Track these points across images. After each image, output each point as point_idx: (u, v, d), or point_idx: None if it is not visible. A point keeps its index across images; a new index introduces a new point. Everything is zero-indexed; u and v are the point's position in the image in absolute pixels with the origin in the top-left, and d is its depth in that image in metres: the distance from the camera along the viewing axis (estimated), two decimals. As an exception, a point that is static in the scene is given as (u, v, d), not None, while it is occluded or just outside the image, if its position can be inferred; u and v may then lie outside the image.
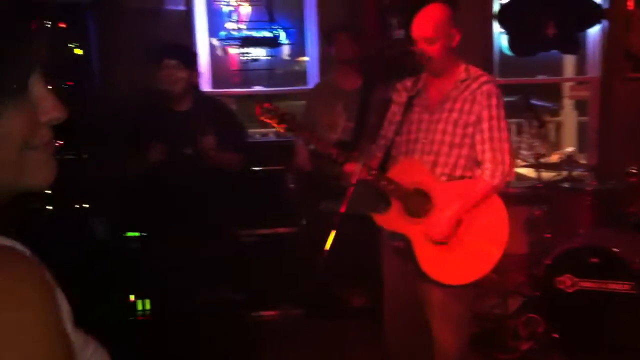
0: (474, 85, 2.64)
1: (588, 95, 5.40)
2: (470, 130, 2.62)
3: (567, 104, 6.94)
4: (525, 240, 4.56)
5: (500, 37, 5.23)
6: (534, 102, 4.13)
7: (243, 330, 4.23)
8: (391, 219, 2.70)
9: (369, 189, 2.71)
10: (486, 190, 2.59)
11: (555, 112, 6.97)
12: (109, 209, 4.26)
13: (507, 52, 5.18)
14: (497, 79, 5.24)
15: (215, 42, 5.00)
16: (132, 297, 3.98)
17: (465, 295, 2.70)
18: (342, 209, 2.50)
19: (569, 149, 5.90)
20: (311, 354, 3.87)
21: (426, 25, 2.60)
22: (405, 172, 2.68)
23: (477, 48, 5.17)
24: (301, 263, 4.44)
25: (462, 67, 2.70)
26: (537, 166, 4.22)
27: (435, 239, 2.61)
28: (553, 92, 6.22)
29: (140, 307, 3.99)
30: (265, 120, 2.84)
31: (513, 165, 2.64)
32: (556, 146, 6.86)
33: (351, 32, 3.97)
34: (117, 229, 4.20)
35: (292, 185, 4.24)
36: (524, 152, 5.19)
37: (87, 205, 4.09)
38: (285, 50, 5.29)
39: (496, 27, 5.20)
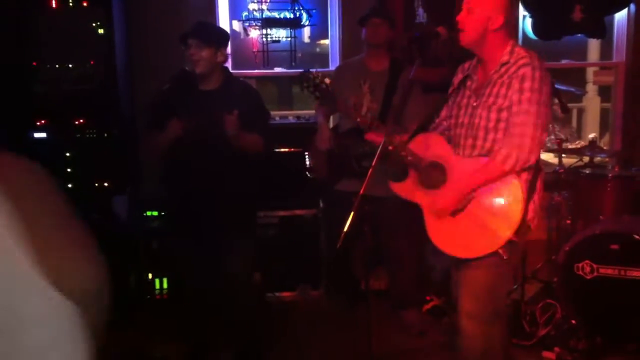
0: (513, 69, 2.56)
1: (612, 80, 5.32)
2: (504, 114, 2.56)
3: (591, 89, 6.84)
4: (545, 226, 4.53)
5: (525, 21, 5.17)
6: (557, 86, 4.06)
7: (262, 309, 4.26)
8: (407, 188, 2.80)
9: (390, 161, 2.78)
10: (496, 173, 2.55)
11: (579, 98, 6.87)
12: (130, 187, 4.31)
13: (532, 35, 5.12)
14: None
15: (236, 23, 4.99)
16: (149, 276, 4.03)
17: (488, 266, 2.62)
18: (362, 190, 2.50)
19: (592, 135, 5.83)
20: (329, 335, 3.90)
21: None
22: (426, 146, 2.74)
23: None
24: (319, 245, 4.48)
25: (508, 49, 2.60)
26: (558, 151, 4.17)
27: (437, 210, 2.65)
28: (577, 77, 6.13)
29: (157, 286, 4.04)
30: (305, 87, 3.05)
31: (534, 151, 2.52)
32: (578, 132, 6.79)
33: (384, 17, 3.96)
34: (138, 207, 4.25)
35: (310, 167, 4.23)
36: (548, 139, 5.14)
37: (107, 184, 4.14)
38: (307, 32, 5.27)
39: (521, 10, 5.14)
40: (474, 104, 2.67)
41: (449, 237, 2.66)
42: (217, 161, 3.43)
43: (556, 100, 3.87)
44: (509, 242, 2.53)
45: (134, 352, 3.66)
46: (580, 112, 7.20)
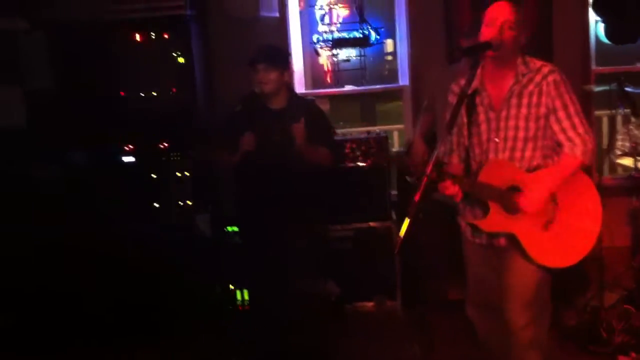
0: (538, 78, 2.67)
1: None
2: (542, 122, 2.67)
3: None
4: (626, 232, 4.44)
5: (597, 25, 5.11)
6: (629, 89, 4.00)
7: (340, 320, 4.38)
8: (493, 221, 2.72)
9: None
10: (574, 166, 2.66)
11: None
12: (212, 205, 4.57)
13: (604, 40, 5.05)
14: (594, 67, 5.18)
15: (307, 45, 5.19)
16: (231, 287, 4.24)
17: (546, 279, 2.75)
18: (417, 197, 2.55)
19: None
20: (402, 345, 3.94)
21: (508, 9, 2.65)
22: (494, 173, 2.69)
23: (574, 37, 5.10)
24: (393, 256, 4.56)
25: (520, 60, 2.70)
26: (634, 155, 4.09)
27: (529, 211, 2.66)
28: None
29: (239, 297, 4.24)
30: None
31: (594, 141, 2.68)
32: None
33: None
34: (219, 224, 4.49)
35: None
36: (623, 143, 5.01)
37: (191, 203, 4.40)
38: (378, 50, 5.40)
39: (592, 16, 5.08)
40: (497, 116, 2.71)
41: (551, 251, 2.69)
42: (288, 176, 3.62)
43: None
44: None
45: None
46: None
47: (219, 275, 4.40)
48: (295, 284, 3.73)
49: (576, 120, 2.65)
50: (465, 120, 2.77)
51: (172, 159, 4.43)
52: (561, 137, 2.67)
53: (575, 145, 2.65)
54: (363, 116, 8.10)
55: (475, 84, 2.73)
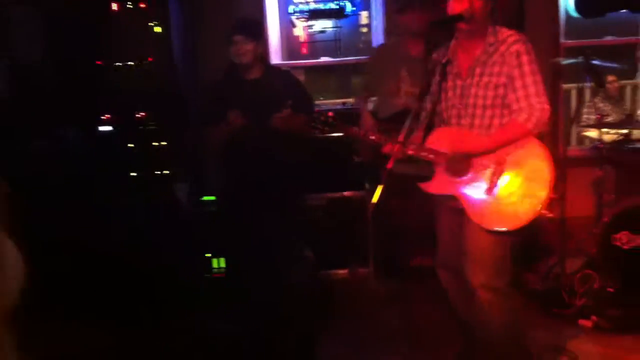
0: (502, 48, 2.76)
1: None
2: (501, 91, 2.75)
3: (646, 65, 6.75)
4: (591, 203, 4.59)
5: (567, -1, 5.22)
6: (595, 62, 4.11)
7: (316, 287, 4.49)
8: (437, 184, 2.89)
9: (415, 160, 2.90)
10: (518, 131, 2.71)
11: (632, 75, 6.79)
12: (189, 174, 4.63)
13: (574, 13, 5.16)
14: (563, 41, 5.29)
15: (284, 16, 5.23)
16: (208, 255, 4.32)
17: (509, 241, 2.83)
18: (389, 165, 2.67)
19: (642, 112, 5.80)
20: (379, 312, 4.07)
21: None
22: (444, 139, 2.85)
23: (544, 11, 5.20)
24: (366, 225, 4.67)
25: (490, 29, 2.79)
26: (598, 126, 4.23)
27: (466, 151, 2.78)
28: (628, 54, 6.08)
29: (215, 264, 4.33)
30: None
31: (548, 115, 2.71)
32: (632, 108, 6.71)
33: (424, 8, 4.01)
34: (196, 193, 4.56)
35: (356, 151, 4.41)
36: (589, 115, 5.16)
37: (167, 172, 4.46)
38: (353, 21, 5.45)
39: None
40: (463, 84, 2.82)
41: (493, 214, 2.76)
42: (264, 146, 3.71)
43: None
44: (550, 201, 2.70)
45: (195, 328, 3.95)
46: (636, 89, 7.11)
47: (196, 243, 4.48)
48: (273, 252, 3.84)
49: (531, 90, 2.71)
50: (435, 88, 2.89)
51: (148, 128, 4.47)
52: (514, 106, 2.74)
53: (522, 112, 2.71)
54: (338, 88, 8.22)
55: (448, 53, 2.86)
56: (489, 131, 2.80)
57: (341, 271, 4.73)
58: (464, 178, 2.81)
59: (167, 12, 4.50)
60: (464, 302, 3.02)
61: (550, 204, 2.76)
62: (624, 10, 5.18)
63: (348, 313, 4.13)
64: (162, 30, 4.50)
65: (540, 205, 2.67)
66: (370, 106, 4.30)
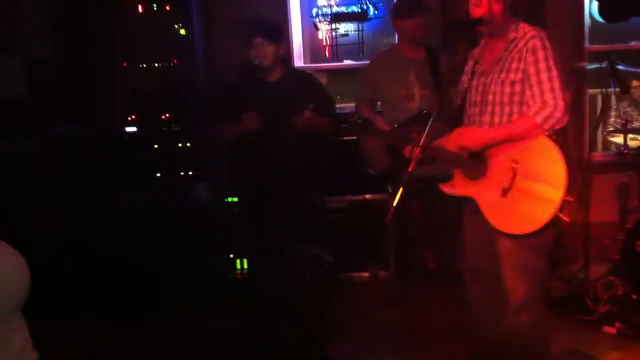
0: (521, 44, 2.72)
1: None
2: (517, 88, 2.71)
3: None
4: (615, 208, 4.57)
5: (592, 3, 5.18)
6: (620, 67, 4.09)
7: (334, 289, 4.50)
8: (455, 185, 2.88)
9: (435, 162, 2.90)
10: (528, 126, 2.65)
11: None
12: (212, 176, 4.66)
13: (598, 18, 5.13)
14: (588, 45, 5.26)
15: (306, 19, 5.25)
16: (231, 257, 4.35)
17: (536, 244, 2.75)
18: (410, 169, 2.68)
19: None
20: (399, 315, 4.03)
21: None
22: (457, 139, 2.83)
23: (567, 14, 5.17)
24: (386, 228, 4.68)
25: (513, 26, 2.76)
26: (622, 132, 4.21)
27: (467, 145, 2.77)
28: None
29: (238, 265, 4.36)
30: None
31: (565, 110, 2.62)
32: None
33: (426, 14, 4.05)
34: (219, 194, 4.59)
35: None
36: (615, 120, 5.12)
37: (191, 173, 4.50)
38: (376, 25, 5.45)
39: (587, -7, 5.16)
40: (485, 82, 2.81)
41: (507, 216, 2.72)
42: (284, 147, 3.72)
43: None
44: (565, 203, 2.60)
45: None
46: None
47: (220, 244, 4.51)
48: (291, 252, 3.85)
49: (546, 85, 2.64)
50: (465, 87, 2.90)
51: (173, 129, 4.52)
52: (531, 103, 2.69)
53: (536, 106, 2.64)
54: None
55: (477, 53, 2.87)
56: None
57: (362, 274, 4.73)
58: (481, 179, 2.80)
59: (191, 14, 4.54)
60: (490, 305, 2.99)
61: (566, 207, 2.68)
62: (650, 15, 5.17)
63: (366, 316, 4.13)
64: (186, 32, 4.55)
65: (555, 208, 2.60)
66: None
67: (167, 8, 4.54)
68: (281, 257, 3.88)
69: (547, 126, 2.62)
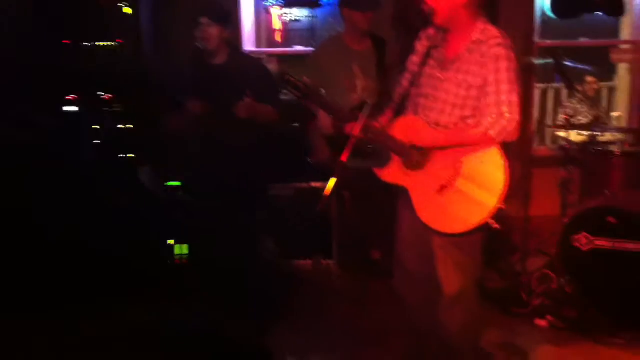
0: (485, 48, 2.61)
1: (632, 58, 5.31)
2: (474, 92, 2.65)
3: (622, 68, 6.77)
4: (557, 203, 4.60)
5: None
6: (567, 63, 4.11)
7: (277, 276, 4.47)
8: (391, 172, 2.81)
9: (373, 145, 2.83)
10: (479, 137, 2.61)
11: (610, 77, 6.82)
12: (153, 159, 4.57)
13: (550, 13, 5.16)
14: (538, 40, 5.29)
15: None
16: (171, 242, 4.27)
17: (467, 242, 2.74)
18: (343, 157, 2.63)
19: (616, 113, 5.82)
20: (341, 304, 4.04)
21: None
22: (405, 128, 2.76)
23: (519, 9, 5.18)
24: (331, 217, 4.65)
25: (480, 26, 2.66)
26: (564, 127, 4.24)
27: (414, 142, 2.72)
28: (603, 57, 6.09)
29: (178, 251, 4.29)
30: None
31: (517, 127, 2.58)
32: (608, 110, 6.73)
33: (374, 11, 3.98)
34: (161, 178, 4.51)
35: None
36: (561, 116, 5.17)
37: (132, 155, 4.41)
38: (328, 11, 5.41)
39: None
40: (441, 76, 2.73)
41: (439, 213, 2.70)
42: (229, 133, 3.67)
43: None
44: (498, 211, 2.59)
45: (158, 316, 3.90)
46: (612, 91, 7.13)
47: (159, 229, 4.43)
48: (233, 238, 3.81)
49: (503, 97, 2.58)
50: (415, 69, 2.79)
51: (114, 110, 4.42)
52: (484, 111, 2.63)
53: (488, 118, 2.60)
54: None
55: (438, 39, 2.76)
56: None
57: (305, 262, 4.70)
58: (419, 171, 2.75)
59: (136, -7, 4.44)
60: (420, 302, 2.96)
61: (498, 214, 2.67)
62: (599, 13, 5.22)
63: (307, 306, 4.10)
64: (132, 11, 4.44)
65: (487, 214, 2.60)
66: None
67: (113, -15, 4.43)
68: (223, 243, 3.84)
69: (499, 139, 2.59)
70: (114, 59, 4.43)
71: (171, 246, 4.33)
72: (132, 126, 4.45)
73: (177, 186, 4.47)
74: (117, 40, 4.45)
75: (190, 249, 4.38)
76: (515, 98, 2.59)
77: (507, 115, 2.57)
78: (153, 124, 4.58)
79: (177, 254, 4.36)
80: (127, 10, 4.44)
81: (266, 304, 3.83)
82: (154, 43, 4.82)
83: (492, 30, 2.64)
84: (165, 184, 4.45)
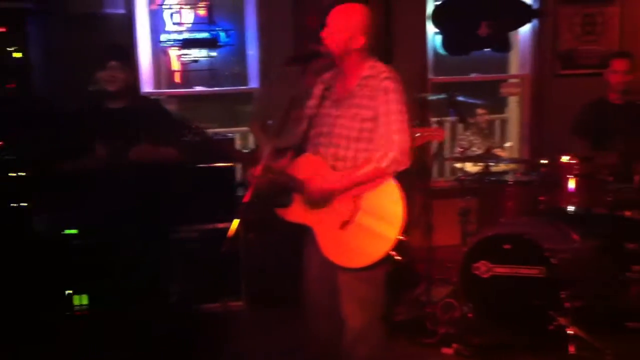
0: (374, 82, 2.76)
1: (519, 91, 5.61)
2: (368, 125, 2.75)
3: (513, 100, 7.14)
4: (457, 232, 4.75)
5: (435, 38, 5.44)
6: (460, 98, 4.29)
7: (185, 321, 4.36)
8: (294, 212, 2.86)
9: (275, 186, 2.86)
10: (372, 171, 2.70)
11: (502, 109, 7.17)
12: (49, 207, 4.39)
13: (442, 51, 5.39)
14: (432, 77, 5.51)
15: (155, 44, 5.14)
16: (69, 292, 4.09)
17: (371, 277, 2.80)
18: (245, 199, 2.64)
19: (508, 144, 6.12)
20: (252, 343, 4.02)
21: (342, 16, 2.77)
22: (305, 168, 2.83)
23: (412, 48, 5.39)
24: (239, 258, 4.61)
25: (369, 64, 2.81)
26: (459, 159, 4.40)
27: (312, 197, 2.78)
28: (493, 90, 6.41)
29: (77, 302, 4.11)
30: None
31: (407, 154, 2.70)
32: (499, 141, 7.06)
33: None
34: (57, 226, 4.33)
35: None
36: (458, 148, 5.39)
37: (26, 204, 4.21)
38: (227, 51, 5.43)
39: (431, 28, 5.41)
40: (335, 114, 2.83)
41: (343, 249, 2.75)
42: (130, 176, 3.58)
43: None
44: (399, 243, 2.67)
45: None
46: (504, 122, 7.50)
47: (57, 279, 4.24)
48: (136, 285, 3.70)
49: (394, 127, 2.70)
50: (312, 112, 2.90)
51: (6, 158, 4.22)
52: (378, 142, 2.74)
53: (380, 149, 2.70)
54: (219, 117, 8.13)
55: (331, 81, 2.89)
56: (355, 164, 2.77)
57: (214, 305, 4.61)
58: (322, 210, 2.80)
59: (26, 36, 4.30)
60: (326, 335, 2.98)
61: (400, 246, 2.74)
62: (488, 50, 5.51)
63: (217, 347, 4.02)
64: (23, 55, 4.29)
65: (389, 246, 2.66)
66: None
67: (2, 30, 4.28)
68: (125, 290, 3.72)
69: (391, 170, 2.69)
70: (5, 105, 4.25)
71: (70, 296, 4.16)
72: (24, 174, 4.26)
73: (75, 234, 4.32)
74: (7, 85, 4.28)
75: (90, 299, 4.22)
76: (405, 126, 2.72)
77: (396, 144, 2.69)
78: (49, 170, 4.42)
79: (77, 305, 4.19)
80: (17, 54, 4.28)
81: (174, 351, 3.73)
82: (51, 87, 4.68)
83: (380, 66, 2.80)
84: (61, 232, 4.28)
